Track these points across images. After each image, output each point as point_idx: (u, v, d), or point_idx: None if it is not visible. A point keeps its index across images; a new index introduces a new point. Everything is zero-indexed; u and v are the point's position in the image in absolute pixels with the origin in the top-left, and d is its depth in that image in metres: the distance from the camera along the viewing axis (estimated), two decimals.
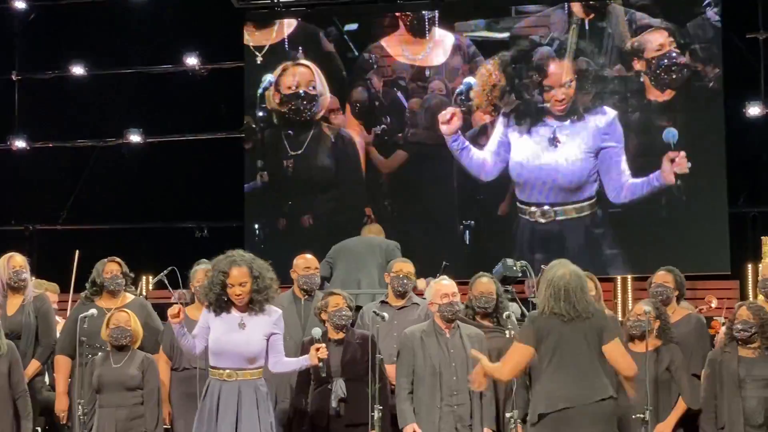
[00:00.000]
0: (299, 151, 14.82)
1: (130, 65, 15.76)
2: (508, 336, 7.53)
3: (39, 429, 9.19)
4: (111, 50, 15.63)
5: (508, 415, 7.39)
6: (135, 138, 15.63)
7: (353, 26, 14.90)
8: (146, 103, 15.81)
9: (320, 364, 6.66)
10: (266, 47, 15.08)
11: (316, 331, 7.04)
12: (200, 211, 15.58)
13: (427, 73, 14.57)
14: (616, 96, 14.11)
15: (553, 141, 14.16)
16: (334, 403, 7.59)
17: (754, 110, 13.83)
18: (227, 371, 6.58)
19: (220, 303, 6.63)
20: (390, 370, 7.83)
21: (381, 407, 7.42)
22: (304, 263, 8.51)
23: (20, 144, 15.76)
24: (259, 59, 15.06)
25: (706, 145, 13.87)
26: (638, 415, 7.29)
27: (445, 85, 14.49)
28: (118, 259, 8.53)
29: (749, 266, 13.25)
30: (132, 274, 8.61)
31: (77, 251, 10.96)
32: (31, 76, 15.96)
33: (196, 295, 8.25)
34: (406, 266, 8.52)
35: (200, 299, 8.19)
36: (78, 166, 15.91)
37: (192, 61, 15.44)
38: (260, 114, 14.96)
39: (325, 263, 10.06)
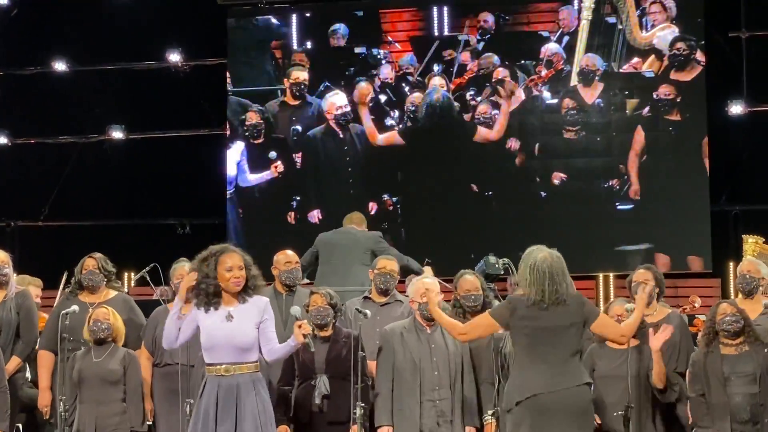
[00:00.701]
0: (307, 146, 14.80)
1: (113, 61, 15.73)
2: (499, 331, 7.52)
3: (20, 425, 9.18)
4: (93, 46, 15.60)
5: (489, 412, 7.40)
6: (117, 134, 15.61)
7: (357, 21, 14.90)
8: (129, 99, 15.78)
9: (306, 340, 6.58)
10: (252, 43, 15.06)
11: (295, 309, 6.88)
12: (182, 208, 15.56)
13: (435, 68, 14.55)
14: (625, 92, 14.09)
15: (561, 136, 14.17)
16: (317, 400, 7.60)
17: (736, 109, 13.88)
18: (224, 366, 6.51)
19: (210, 294, 6.58)
20: (373, 366, 7.84)
21: (363, 404, 7.42)
22: (285, 258, 8.52)
23: (2, 140, 15.73)
24: (241, 55, 15.05)
25: (689, 144, 13.91)
26: (619, 413, 7.30)
27: (447, 81, 14.47)
28: (96, 255, 8.49)
29: (731, 264, 13.28)
30: (113, 269, 8.56)
31: (65, 273, 10.93)
32: (13, 72, 15.91)
33: (177, 292, 8.23)
34: (389, 263, 8.52)
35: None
36: (60, 163, 15.87)
37: (174, 57, 15.42)
38: (264, 109, 14.93)
39: (309, 253, 10.07)
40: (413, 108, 14.53)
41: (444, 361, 7.51)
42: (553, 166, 14.24)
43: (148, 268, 10.85)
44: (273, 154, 14.87)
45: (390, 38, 14.75)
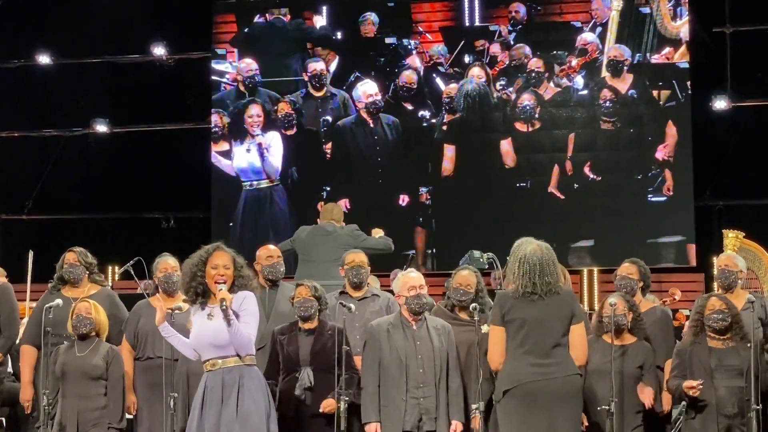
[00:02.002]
0: (337, 137, 14.74)
1: (97, 55, 15.69)
2: (484, 331, 7.51)
3: (2, 419, 9.16)
4: (77, 39, 15.56)
5: (473, 406, 7.40)
6: (101, 128, 15.58)
7: (388, 11, 14.83)
8: (113, 92, 15.75)
9: (222, 305, 6.52)
10: (281, 35, 15.03)
11: (221, 286, 6.81)
12: (167, 202, 15.54)
13: (467, 59, 14.47)
14: (659, 83, 14.00)
15: (595, 127, 14.10)
16: (298, 392, 7.60)
17: (720, 104, 13.90)
18: (211, 361, 6.60)
19: (199, 293, 6.59)
20: (357, 360, 7.83)
21: (347, 398, 7.43)
22: (266, 253, 8.51)
23: None
24: (270, 47, 15.02)
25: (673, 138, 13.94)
26: (603, 407, 7.32)
27: (486, 72, 14.37)
28: (77, 249, 8.45)
29: (714, 259, 13.29)
30: (94, 261, 8.52)
31: (30, 251, 10.94)
32: None
33: (160, 286, 8.23)
34: (357, 256, 8.51)
35: (164, 290, 8.17)
36: (44, 156, 15.84)
37: (159, 51, 15.38)
38: (294, 100, 14.88)
39: (287, 243, 10.08)
40: (447, 99, 14.44)
41: (429, 358, 7.50)
42: (587, 158, 14.13)
43: (132, 262, 10.82)
44: (299, 147, 14.81)
45: (420, 28, 14.68)
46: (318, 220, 10.43)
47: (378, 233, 10.15)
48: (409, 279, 7.65)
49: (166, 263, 8.19)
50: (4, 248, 15.34)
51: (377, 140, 14.66)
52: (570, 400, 6.39)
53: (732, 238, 10.69)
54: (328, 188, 14.74)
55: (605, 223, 13.96)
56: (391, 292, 8.43)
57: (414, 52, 14.65)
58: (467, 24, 14.60)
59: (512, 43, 14.41)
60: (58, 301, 8.06)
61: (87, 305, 7.89)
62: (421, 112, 14.58)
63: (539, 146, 14.27)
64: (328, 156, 14.82)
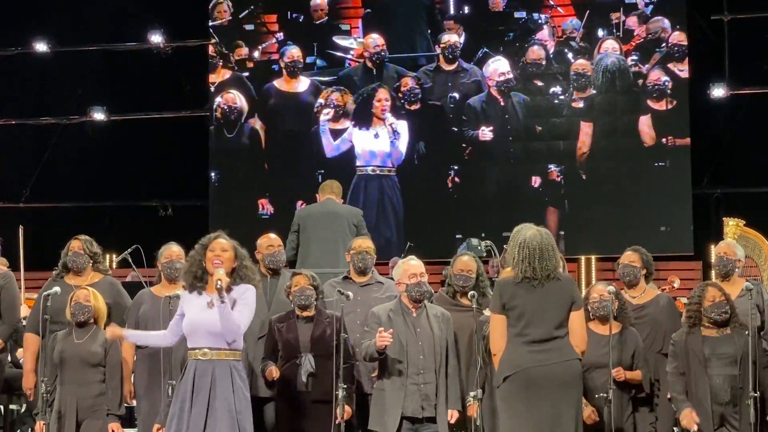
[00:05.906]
0: (466, 114, 14.46)
1: (94, 42, 15.66)
2: (486, 314, 7.51)
3: (1, 407, 9.16)
4: (75, 27, 15.54)
5: (471, 394, 7.41)
6: (99, 116, 15.57)
7: None
8: (110, 80, 15.74)
9: (217, 284, 6.50)
10: (409, 10, 14.77)
11: (220, 270, 6.81)
12: (164, 190, 15.54)
13: (599, 33, 14.20)
14: None
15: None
16: (303, 378, 7.62)
17: (718, 92, 13.90)
18: (203, 350, 6.60)
19: (197, 276, 6.59)
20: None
21: (346, 386, 7.44)
22: (267, 242, 8.49)
23: None
24: (399, 23, 14.81)
25: (671, 126, 13.92)
26: (601, 395, 7.33)
27: (620, 46, 14.10)
28: (82, 237, 8.42)
29: (712, 247, 13.30)
30: (99, 251, 8.49)
31: (21, 227, 10.94)
32: None
33: (163, 273, 8.21)
34: (364, 242, 8.48)
35: (167, 276, 8.16)
36: (41, 144, 15.83)
37: (156, 38, 15.36)
38: (418, 75, 14.61)
39: (292, 233, 9.91)
40: (575, 75, 14.17)
41: (429, 345, 7.51)
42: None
43: (129, 250, 10.84)
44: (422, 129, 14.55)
45: (552, 2, 14.35)
46: (317, 195, 10.17)
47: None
48: (410, 266, 7.65)
49: (170, 250, 8.16)
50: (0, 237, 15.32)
51: (508, 119, 14.34)
52: (571, 386, 6.39)
53: (732, 226, 10.68)
54: (456, 167, 14.49)
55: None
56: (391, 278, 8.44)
57: (545, 26, 14.29)
58: None
59: (649, 15, 14.04)
60: (57, 288, 8.04)
61: (86, 293, 7.88)
62: (552, 89, 14.28)
63: (675, 125, 13.96)
64: (455, 134, 14.49)
